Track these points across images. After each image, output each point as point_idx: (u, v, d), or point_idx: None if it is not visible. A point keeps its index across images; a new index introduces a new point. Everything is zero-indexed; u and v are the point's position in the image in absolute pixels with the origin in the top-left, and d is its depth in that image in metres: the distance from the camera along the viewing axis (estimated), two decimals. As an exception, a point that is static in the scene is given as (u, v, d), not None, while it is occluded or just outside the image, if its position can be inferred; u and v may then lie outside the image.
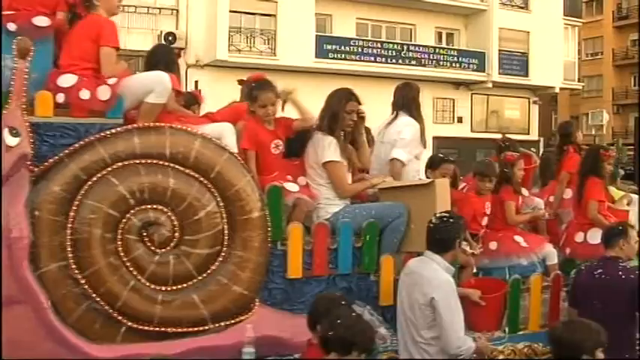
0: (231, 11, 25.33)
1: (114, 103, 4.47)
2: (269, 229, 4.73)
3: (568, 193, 7.01)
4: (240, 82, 5.77)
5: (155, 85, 4.55)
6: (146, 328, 4.42)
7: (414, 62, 28.34)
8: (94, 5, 4.71)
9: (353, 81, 24.19)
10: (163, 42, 25.64)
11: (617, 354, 4.47)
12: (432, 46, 29.27)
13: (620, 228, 5.26)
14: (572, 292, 5.38)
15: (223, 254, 4.57)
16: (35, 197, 4.23)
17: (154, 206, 4.41)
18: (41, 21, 4.60)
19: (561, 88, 32.58)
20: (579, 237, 6.27)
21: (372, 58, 27.61)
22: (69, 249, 4.26)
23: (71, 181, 4.29)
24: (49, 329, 4.22)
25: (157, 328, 4.43)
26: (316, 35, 26.74)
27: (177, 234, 4.47)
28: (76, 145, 4.34)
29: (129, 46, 26.21)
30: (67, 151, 4.32)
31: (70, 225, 4.27)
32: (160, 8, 26.08)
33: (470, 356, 4.55)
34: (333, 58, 26.69)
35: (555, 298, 5.70)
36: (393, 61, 27.90)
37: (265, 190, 4.79)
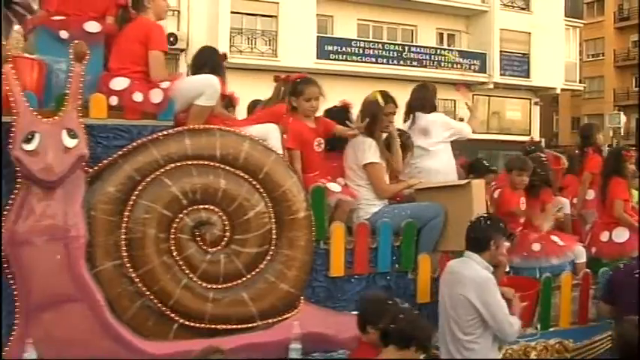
0: (232, 12, 25.47)
1: (166, 105, 4.59)
2: (313, 228, 4.89)
3: (590, 194, 7.19)
4: (277, 78, 5.92)
5: (206, 88, 4.69)
6: (197, 325, 4.55)
7: (415, 63, 28.50)
8: (145, 8, 4.85)
9: (354, 82, 24.40)
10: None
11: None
12: (433, 47, 29.45)
13: None
14: (609, 288, 5.55)
15: (271, 253, 4.71)
16: (91, 198, 4.35)
17: (206, 206, 4.54)
18: (92, 27, 4.73)
19: (562, 89, 32.75)
20: (605, 236, 6.46)
21: (374, 59, 27.78)
22: (123, 248, 4.39)
23: (125, 182, 4.42)
24: (105, 327, 4.36)
25: (208, 326, 4.57)
26: (317, 36, 26.89)
27: (227, 233, 4.60)
28: (130, 147, 4.48)
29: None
30: (120, 153, 4.46)
31: (124, 225, 4.40)
32: (161, 9, 26.20)
33: None
34: (335, 60, 26.83)
35: (585, 295, 5.87)
36: (395, 62, 28.07)
37: (309, 190, 4.94)
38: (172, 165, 4.49)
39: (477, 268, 4.72)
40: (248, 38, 26.42)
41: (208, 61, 5.20)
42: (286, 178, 4.77)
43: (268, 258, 4.71)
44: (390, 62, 27.99)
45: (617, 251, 6.19)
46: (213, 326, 4.58)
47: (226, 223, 4.59)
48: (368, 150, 5.34)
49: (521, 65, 30.52)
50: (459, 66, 29.19)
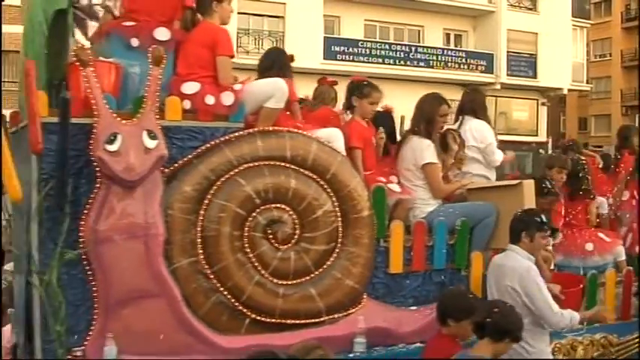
0: (239, 13, 25.46)
1: (236, 108, 4.80)
2: (375, 226, 5.11)
3: (626, 195, 7.42)
4: (323, 81, 6.19)
5: (275, 91, 4.90)
6: (268, 320, 4.76)
7: (422, 64, 28.82)
8: (212, 12, 5.04)
9: (363, 83, 24.64)
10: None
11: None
12: (440, 48, 29.74)
13: None
14: None
15: (337, 250, 4.92)
16: (168, 197, 4.56)
17: (278, 205, 4.75)
18: (162, 34, 4.90)
19: (570, 90, 33.16)
20: (645, 234, 6.69)
21: (381, 60, 28.08)
22: (199, 246, 4.59)
23: (201, 182, 4.62)
24: (182, 321, 4.55)
25: (278, 320, 4.79)
26: (324, 37, 27.14)
27: (297, 231, 4.81)
28: (204, 148, 4.69)
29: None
30: (195, 153, 4.67)
31: (200, 223, 4.60)
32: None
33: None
34: (342, 60, 27.10)
35: (627, 292, 6.11)
36: (402, 62, 28.38)
37: (371, 189, 5.16)
38: (245, 165, 4.69)
39: (519, 258, 5.01)
40: (255, 39, 26.66)
41: (276, 62, 5.41)
42: (351, 178, 4.98)
43: (335, 255, 4.92)
44: (397, 63, 28.30)
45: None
46: (282, 321, 4.79)
47: (296, 221, 4.80)
48: (426, 150, 5.56)
49: (528, 66, 30.84)
50: (466, 67, 29.50)
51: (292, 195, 4.78)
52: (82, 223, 4.41)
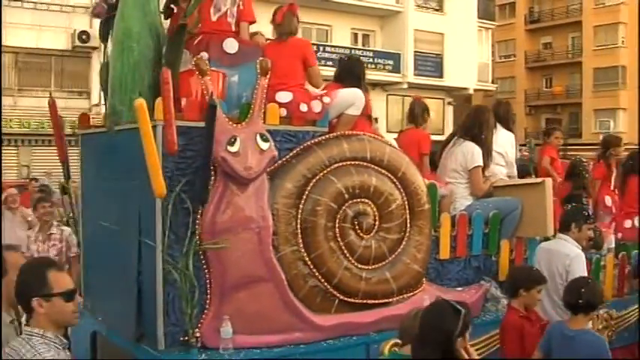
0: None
1: (324, 114, 5.74)
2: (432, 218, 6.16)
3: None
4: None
5: (356, 100, 5.88)
6: (352, 300, 5.68)
7: (330, 63, 29.96)
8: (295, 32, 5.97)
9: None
10: (77, 40, 26.21)
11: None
12: (348, 47, 31.07)
13: None
14: None
15: (406, 239, 5.90)
16: (273, 193, 5.41)
17: (362, 200, 5.67)
18: (231, 47, 5.76)
19: (475, 90, 35.40)
20: (628, 224, 8.11)
21: (289, 59, 28.98)
22: (299, 235, 5.48)
23: (300, 179, 5.47)
24: (287, 303, 5.40)
25: (360, 301, 5.72)
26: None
27: (377, 222, 5.74)
28: (299, 149, 5.57)
29: (41, 45, 26.54)
30: (293, 154, 5.53)
31: (299, 215, 5.49)
32: (73, 6, 26.53)
33: None
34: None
35: (622, 273, 7.45)
36: (310, 61, 29.39)
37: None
38: (335, 165, 5.58)
39: (568, 245, 6.20)
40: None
41: (355, 70, 6.36)
42: (416, 176, 5.99)
43: (404, 243, 5.89)
44: (306, 61, 29.28)
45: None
46: (364, 301, 5.72)
47: (376, 213, 5.74)
48: (478, 155, 6.70)
49: (435, 66, 32.76)
50: (373, 66, 30.96)
51: (373, 191, 5.71)
52: (200, 217, 5.20)
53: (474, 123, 6.88)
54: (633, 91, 48.19)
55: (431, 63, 32.76)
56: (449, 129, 33.54)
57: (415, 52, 32.24)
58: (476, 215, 6.56)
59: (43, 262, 4.11)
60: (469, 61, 33.29)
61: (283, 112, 5.61)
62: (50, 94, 6.46)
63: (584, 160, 8.45)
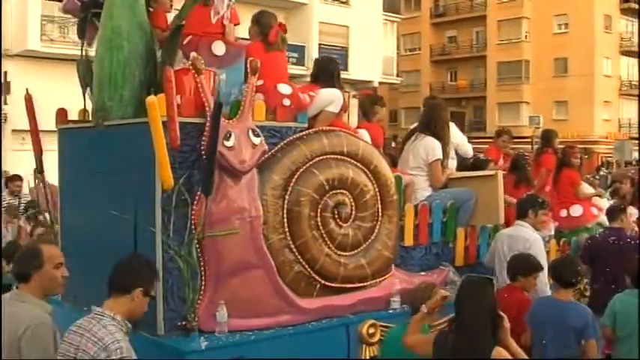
0: (44, -1, 25.71)
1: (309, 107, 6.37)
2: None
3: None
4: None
5: (335, 98, 6.50)
6: (332, 285, 6.28)
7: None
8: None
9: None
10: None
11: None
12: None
13: (622, 206, 8.01)
14: (588, 252, 7.96)
15: (378, 227, 6.55)
16: (262, 185, 5.93)
17: (341, 191, 6.28)
18: (219, 49, 6.32)
19: (380, 83, 36.44)
20: (563, 213, 9.04)
21: (189, 51, 29.14)
22: (285, 225, 6.03)
23: (286, 172, 6.01)
24: (276, 288, 5.96)
25: (339, 285, 6.32)
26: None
27: (354, 212, 6.38)
28: (283, 144, 6.12)
29: None
30: (278, 148, 6.06)
31: (285, 206, 6.04)
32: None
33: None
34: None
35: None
36: (214, 53, 29.65)
37: (392, 177, 6.88)
38: (317, 158, 6.17)
39: (527, 230, 7.00)
40: (60, 27, 26.69)
41: (329, 69, 6.96)
42: (386, 169, 6.66)
43: (376, 231, 6.54)
44: (208, 54, 29.51)
45: (574, 223, 8.82)
46: (342, 285, 6.33)
47: (353, 204, 6.36)
48: (438, 149, 7.45)
49: (340, 58, 33.34)
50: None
51: (350, 182, 6.32)
52: (195, 207, 5.67)
53: (430, 119, 7.63)
54: (536, 85, 50.83)
55: (336, 55, 33.28)
56: (354, 122, 34.42)
57: (320, 44, 32.86)
58: (435, 205, 7.29)
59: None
60: (374, 54, 34.28)
61: (287, 101, 6.19)
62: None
63: (526, 153, 9.32)
